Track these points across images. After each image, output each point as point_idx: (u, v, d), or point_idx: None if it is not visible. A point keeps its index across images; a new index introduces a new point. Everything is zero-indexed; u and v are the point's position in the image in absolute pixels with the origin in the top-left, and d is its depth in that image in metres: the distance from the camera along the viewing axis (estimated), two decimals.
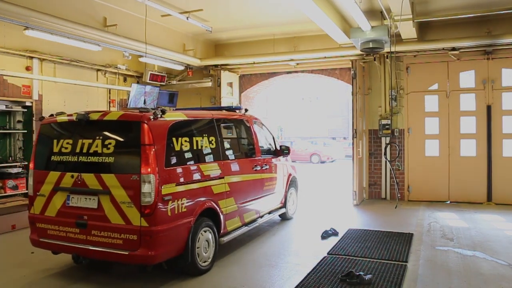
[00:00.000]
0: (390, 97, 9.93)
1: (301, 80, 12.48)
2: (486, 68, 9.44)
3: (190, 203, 4.99)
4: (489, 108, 9.44)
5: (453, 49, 9.24)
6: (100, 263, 5.49)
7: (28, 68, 8.16)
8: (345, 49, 9.80)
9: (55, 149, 5.03)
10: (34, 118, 8.27)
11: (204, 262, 5.21)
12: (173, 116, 5.15)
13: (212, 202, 5.39)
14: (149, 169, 4.51)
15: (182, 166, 5.02)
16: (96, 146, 4.77)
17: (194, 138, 5.35)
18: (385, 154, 9.92)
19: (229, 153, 6.10)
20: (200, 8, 8.48)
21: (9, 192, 7.74)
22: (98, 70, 9.76)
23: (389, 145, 9.87)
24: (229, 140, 6.30)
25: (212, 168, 5.52)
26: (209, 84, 11.38)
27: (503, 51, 9.23)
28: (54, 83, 8.65)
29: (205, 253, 5.23)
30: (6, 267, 5.53)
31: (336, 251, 5.97)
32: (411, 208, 9.16)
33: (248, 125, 6.94)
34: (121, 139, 4.81)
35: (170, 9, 8.06)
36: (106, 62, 9.88)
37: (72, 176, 4.83)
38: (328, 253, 5.89)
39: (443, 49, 9.35)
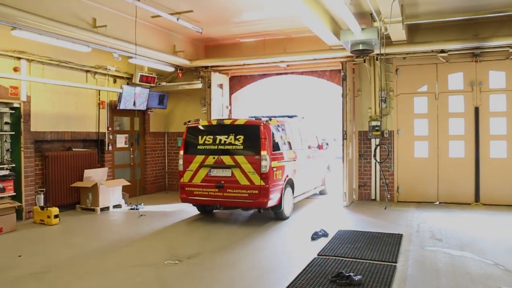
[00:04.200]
0: (380, 98, 9.99)
1: (292, 81, 12.50)
2: (474, 70, 9.56)
3: (282, 173, 8.05)
4: (477, 109, 9.56)
5: (442, 51, 9.34)
6: (225, 212, 8.96)
7: (16, 69, 8.03)
8: (335, 51, 9.84)
9: (200, 142, 8.07)
10: (22, 120, 8.18)
11: (287, 212, 8.29)
12: (273, 122, 8.31)
13: (290, 175, 8.43)
14: (265, 152, 7.57)
15: (278, 151, 8.11)
16: (230, 139, 7.83)
17: (281, 135, 8.50)
18: (374, 155, 10.00)
19: (296, 145, 9.15)
20: (190, 9, 8.47)
21: None
22: (87, 71, 9.65)
23: (378, 147, 9.96)
24: (295, 137, 9.27)
25: (290, 153, 8.66)
26: (199, 85, 11.34)
27: (490, 54, 9.35)
28: (43, 84, 8.55)
29: (288, 206, 8.30)
30: None
31: (326, 252, 5.99)
32: (400, 209, 9.23)
33: (303, 127, 9.96)
34: (247, 135, 7.79)
35: (160, 10, 8.04)
36: (96, 64, 9.77)
37: (214, 158, 7.85)
38: (318, 254, 5.91)
39: (432, 51, 9.44)
